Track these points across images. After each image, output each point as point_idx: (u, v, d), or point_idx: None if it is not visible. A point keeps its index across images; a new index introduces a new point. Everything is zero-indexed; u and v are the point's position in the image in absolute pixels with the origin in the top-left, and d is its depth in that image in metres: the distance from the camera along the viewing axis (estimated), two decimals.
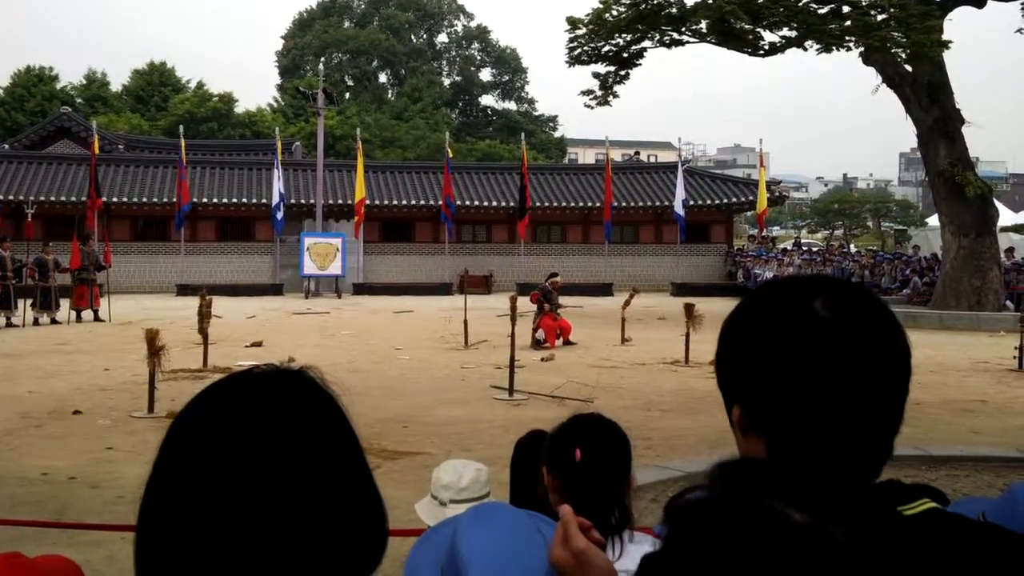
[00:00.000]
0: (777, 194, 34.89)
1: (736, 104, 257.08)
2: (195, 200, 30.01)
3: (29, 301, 20.59)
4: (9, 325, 19.89)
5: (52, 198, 30.00)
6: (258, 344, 15.95)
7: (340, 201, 32.32)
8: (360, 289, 30.83)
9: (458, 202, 31.27)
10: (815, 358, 1.00)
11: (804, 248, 36.29)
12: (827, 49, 21.55)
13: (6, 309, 19.96)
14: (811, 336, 1.01)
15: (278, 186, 29.36)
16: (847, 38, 20.94)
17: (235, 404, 0.92)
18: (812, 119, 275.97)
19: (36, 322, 20.46)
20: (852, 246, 42.27)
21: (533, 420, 7.65)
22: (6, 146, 34.65)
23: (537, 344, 16.45)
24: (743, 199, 34.24)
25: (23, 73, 51.03)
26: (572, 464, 2.03)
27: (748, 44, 21.92)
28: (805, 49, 21.76)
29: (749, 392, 1.06)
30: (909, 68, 21.87)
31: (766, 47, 22.01)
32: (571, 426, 2.14)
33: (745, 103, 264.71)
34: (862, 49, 21.54)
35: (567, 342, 16.84)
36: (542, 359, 14.68)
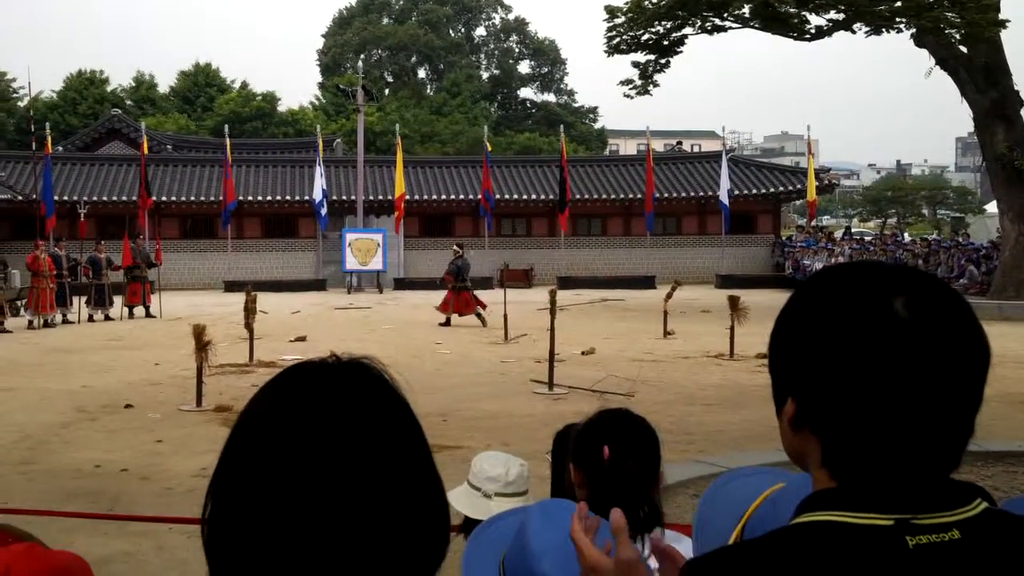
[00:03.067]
0: (827, 182, 34.22)
1: (782, 91, 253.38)
2: (240, 198, 30.49)
3: (83, 298, 21.11)
4: (65, 321, 20.41)
5: (104, 198, 30.66)
6: (302, 339, 16.19)
7: (380, 197, 32.57)
8: (401, 284, 31.08)
9: (497, 196, 31.33)
10: (891, 361, 0.94)
11: (855, 237, 35.57)
12: (876, 31, 21.08)
13: (62, 306, 20.48)
14: (889, 338, 0.94)
15: (320, 183, 29.70)
16: (898, 19, 20.38)
17: (303, 394, 0.91)
18: (863, 104, 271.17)
19: (90, 318, 20.97)
20: (906, 235, 41.36)
21: (573, 414, 7.67)
22: (60, 148, 35.38)
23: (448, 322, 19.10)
24: (791, 188, 33.64)
25: (75, 77, 52.09)
26: (600, 461, 2.01)
27: (793, 28, 21.52)
28: (853, 32, 21.28)
29: (809, 388, 0.99)
30: (964, 49, 21.18)
31: (812, 31, 21.58)
32: (599, 422, 2.12)
33: (792, 89, 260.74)
34: (914, 31, 20.97)
35: (462, 315, 19.12)
36: (582, 352, 14.70)
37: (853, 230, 43.82)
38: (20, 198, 29.24)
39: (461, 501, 2.70)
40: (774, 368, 1.05)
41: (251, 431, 0.92)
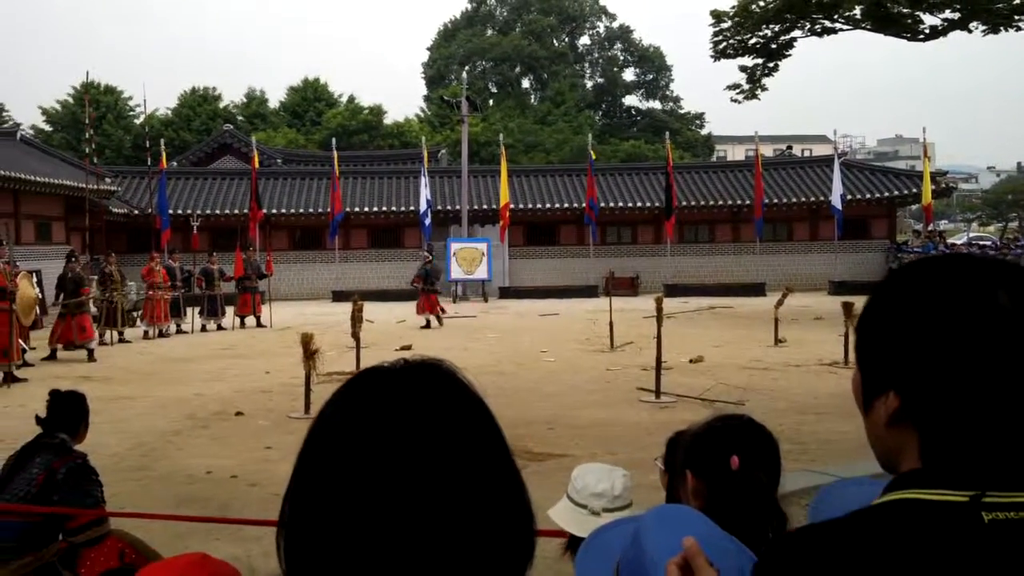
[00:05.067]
0: (943, 185, 32.99)
1: (896, 93, 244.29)
2: (348, 209, 31.07)
3: (197, 309, 21.81)
4: (179, 331, 21.11)
5: (216, 211, 31.70)
6: (407, 347, 16.28)
7: (485, 206, 32.73)
8: (506, 293, 31.12)
9: (602, 204, 31.15)
10: (1001, 351, 0.95)
11: (974, 242, 34.09)
12: (994, 30, 20.20)
13: (176, 316, 21.19)
14: (999, 328, 0.95)
15: (425, 193, 30.00)
16: (1016, 17, 19.55)
17: (376, 397, 0.91)
18: (980, 105, 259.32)
19: (203, 328, 21.64)
20: None
21: (680, 423, 7.42)
22: (174, 163, 36.80)
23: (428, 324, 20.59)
24: (906, 192, 32.57)
25: (189, 94, 54.26)
26: (726, 471, 1.91)
27: (907, 28, 20.79)
28: (970, 31, 20.45)
29: (916, 380, 0.98)
30: None
31: (926, 31, 20.81)
32: (721, 430, 2.02)
33: (906, 91, 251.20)
34: None
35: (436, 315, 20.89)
36: (690, 360, 14.34)
37: (971, 235, 41.91)
38: (137, 212, 30.47)
39: (565, 518, 2.62)
40: (868, 362, 1.05)
41: (326, 436, 0.91)
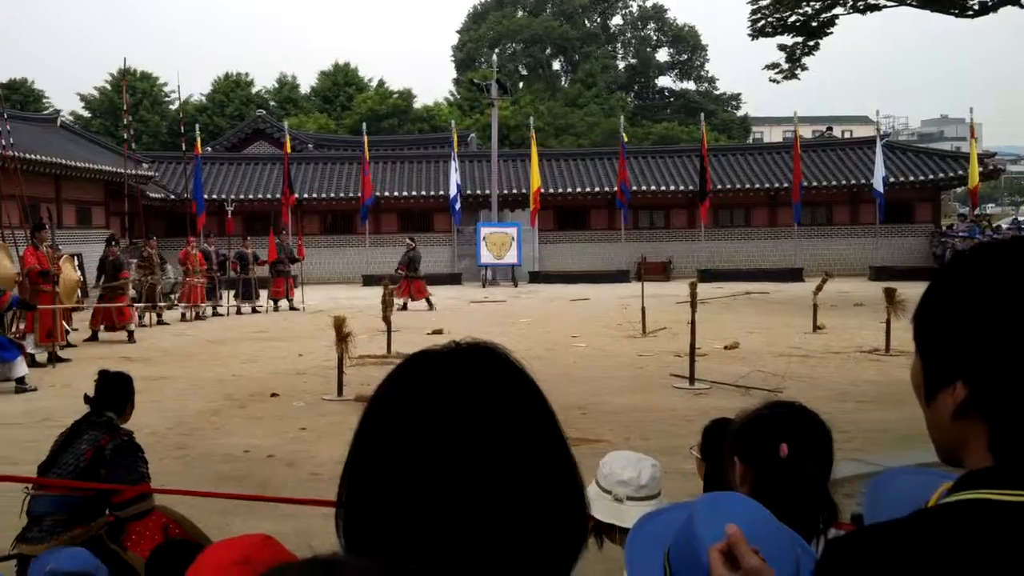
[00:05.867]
0: (991, 167, 32.25)
1: (941, 72, 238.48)
2: (378, 194, 31.16)
3: (232, 292, 22.05)
4: (215, 314, 21.34)
5: (250, 196, 31.97)
6: (438, 332, 16.30)
7: (515, 190, 32.67)
8: (536, 277, 31.08)
9: (634, 187, 30.94)
10: None
11: (1023, 226, 33.42)
12: None
13: (212, 299, 21.42)
14: None
15: (455, 178, 29.99)
16: None
17: (432, 378, 0.91)
18: None
19: (238, 311, 21.86)
20: None
21: (716, 410, 7.37)
22: (209, 149, 37.07)
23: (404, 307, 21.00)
24: (951, 174, 31.99)
25: (222, 80, 54.63)
26: (775, 459, 1.89)
27: (954, 4, 20.34)
28: (1021, 6, 19.98)
29: (987, 370, 0.93)
30: None
31: (975, 6, 20.33)
32: (771, 417, 1.99)
33: (951, 71, 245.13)
34: None
35: (415, 299, 21.69)
36: (725, 347, 14.22)
37: (1021, 218, 41.08)
38: (173, 197, 30.87)
39: (591, 504, 2.60)
40: (932, 351, 1.00)
41: (384, 418, 0.90)
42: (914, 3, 20.44)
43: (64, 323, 14.48)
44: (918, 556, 0.88)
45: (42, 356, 13.36)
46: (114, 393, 4.42)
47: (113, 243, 17.70)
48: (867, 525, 1.06)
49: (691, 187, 31.52)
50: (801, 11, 21.62)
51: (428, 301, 21.80)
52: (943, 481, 1.21)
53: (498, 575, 0.84)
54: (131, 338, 16.23)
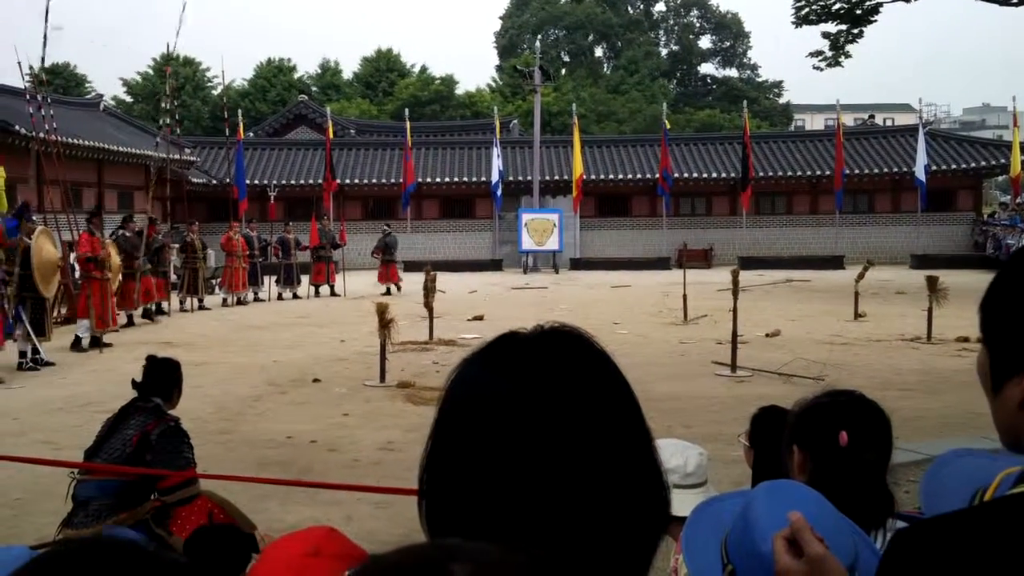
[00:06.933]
0: None
1: (984, 60, 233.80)
2: (420, 180, 31.23)
3: (273, 277, 22.22)
4: (256, 299, 21.54)
5: (292, 181, 32.19)
6: (480, 318, 16.34)
7: (556, 177, 32.57)
8: (577, 264, 31.00)
9: (676, 174, 30.73)
10: None
11: None
12: None
13: (253, 285, 21.61)
14: None
15: (496, 164, 29.98)
16: None
17: (520, 363, 0.89)
18: None
19: (280, 296, 22.05)
20: None
21: (758, 398, 7.32)
22: (251, 134, 37.39)
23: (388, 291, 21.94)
24: (993, 162, 31.51)
25: (265, 65, 54.99)
26: (835, 447, 1.88)
27: None
28: None
29: None
30: None
31: None
32: (831, 405, 1.98)
33: (995, 58, 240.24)
34: None
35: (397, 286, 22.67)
36: (766, 334, 14.10)
37: None
38: (215, 182, 31.12)
39: None
40: (1001, 341, 0.98)
41: (469, 402, 0.88)
42: None
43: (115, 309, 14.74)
44: (987, 549, 0.87)
45: (86, 341, 13.56)
46: (162, 379, 4.45)
47: (154, 223, 17.96)
48: (932, 516, 1.05)
49: (733, 174, 31.27)
50: None
51: (397, 287, 22.78)
52: (1005, 466, 1.21)
53: (585, 561, 0.84)
54: (151, 318, 16.78)
